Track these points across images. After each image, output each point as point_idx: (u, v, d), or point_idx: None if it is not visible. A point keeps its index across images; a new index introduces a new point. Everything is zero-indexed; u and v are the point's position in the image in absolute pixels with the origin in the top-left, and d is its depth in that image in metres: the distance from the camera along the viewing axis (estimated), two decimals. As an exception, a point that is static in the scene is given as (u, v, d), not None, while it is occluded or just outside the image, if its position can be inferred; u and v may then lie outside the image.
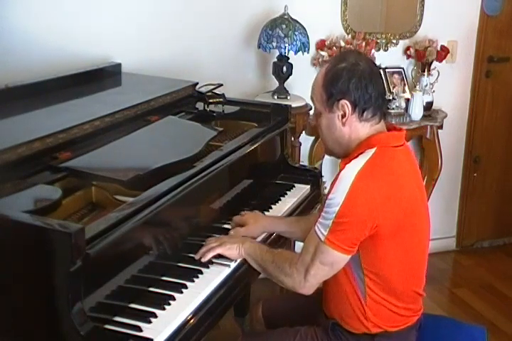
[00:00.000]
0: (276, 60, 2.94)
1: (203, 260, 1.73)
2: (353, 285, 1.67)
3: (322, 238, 1.58)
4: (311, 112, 1.85)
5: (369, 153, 1.62)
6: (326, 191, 3.15)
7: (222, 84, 2.43)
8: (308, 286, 1.65)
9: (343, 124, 1.67)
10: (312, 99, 1.74)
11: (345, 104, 1.64)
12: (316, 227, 1.61)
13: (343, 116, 1.66)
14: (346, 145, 1.71)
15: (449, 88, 3.49)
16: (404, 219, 1.63)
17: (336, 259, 1.60)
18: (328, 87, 1.66)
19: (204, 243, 1.81)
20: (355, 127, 1.67)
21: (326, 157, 2.87)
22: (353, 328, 1.72)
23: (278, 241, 2.02)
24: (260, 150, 2.22)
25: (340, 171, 1.63)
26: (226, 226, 1.99)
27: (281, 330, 1.83)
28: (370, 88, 1.64)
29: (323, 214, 1.60)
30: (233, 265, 1.78)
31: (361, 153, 1.64)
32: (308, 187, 2.37)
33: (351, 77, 1.63)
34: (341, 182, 1.58)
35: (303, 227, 1.90)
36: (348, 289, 1.68)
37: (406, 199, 1.63)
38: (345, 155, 1.74)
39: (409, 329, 1.75)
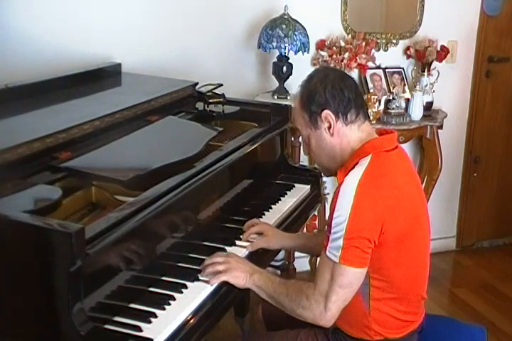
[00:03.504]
0: (276, 60, 2.94)
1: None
2: (357, 297, 1.64)
3: (336, 259, 1.55)
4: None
5: (365, 162, 1.62)
6: (325, 191, 3.16)
7: (222, 84, 2.43)
8: (329, 316, 1.59)
9: (332, 135, 1.68)
10: (297, 128, 1.77)
11: (328, 114, 1.66)
12: (326, 252, 1.58)
13: (330, 126, 1.67)
14: (340, 157, 1.70)
15: (449, 88, 3.49)
16: (408, 223, 1.62)
17: (355, 276, 1.57)
18: (307, 105, 1.69)
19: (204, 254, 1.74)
20: (344, 133, 1.68)
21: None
22: (354, 335, 1.72)
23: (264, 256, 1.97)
24: (260, 150, 2.22)
25: (339, 185, 1.61)
26: (226, 225, 1.99)
27: (282, 333, 1.82)
28: (346, 91, 1.66)
29: (331, 236, 1.57)
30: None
31: (357, 163, 1.64)
32: (308, 187, 2.37)
33: (325, 88, 1.66)
34: (343, 198, 1.57)
35: (320, 242, 1.79)
36: (352, 301, 1.63)
37: (407, 202, 1.63)
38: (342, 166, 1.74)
39: (411, 334, 1.75)
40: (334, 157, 1.71)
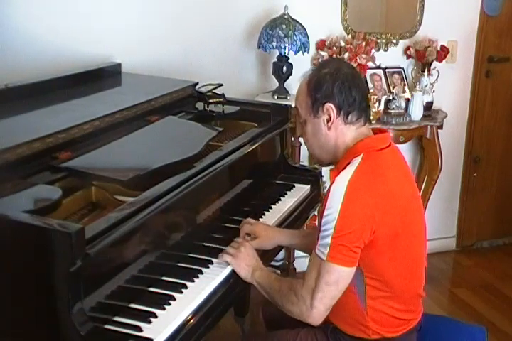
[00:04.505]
0: (276, 60, 2.94)
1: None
2: (353, 295, 1.65)
3: (324, 257, 1.57)
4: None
5: (356, 161, 1.63)
6: (325, 191, 3.16)
7: (222, 84, 2.43)
8: (315, 314, 1.60)
9: (329, 128, 1.68)
10: (296, 108, 1.75)
11: (330, 107, 1.66)
12: (316, 250, 1.60)
13: (329, 120, 1.67)
14: (333, 151, 1.71)
15: (449, 88, 3.49)
16: (400, 220, 1.63)
17: (342, 275, 1.58)
18: (313, 92, 1.68)
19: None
20: (341, 131, 1.68)
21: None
22: (352, 334, 1.72)
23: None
24: (260, 150, 2.22)
25: (330, 185, 1.62)
26: (226, 225, 1.99)
27: (282, 332, 1.82)
28: (354, 91, 1.66)
29: (321, 234, 1.59)
30: (233, 265, 1.78)
31: (349, 164, 1.64)
32: (308, 187, 2.37)
33: (335, 81, 1.65)
34: (333, 197, 1.58)
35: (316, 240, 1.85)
36: (348, 300, 1.65)
37: (399, 200, 1.63)
38: (333, 163, 1.74)
39: (409, 333, 1.75)
40: (327, 149, 1.72)
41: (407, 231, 1.66)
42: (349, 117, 1.67)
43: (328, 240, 1.56)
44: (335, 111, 1.66)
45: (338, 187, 1.58)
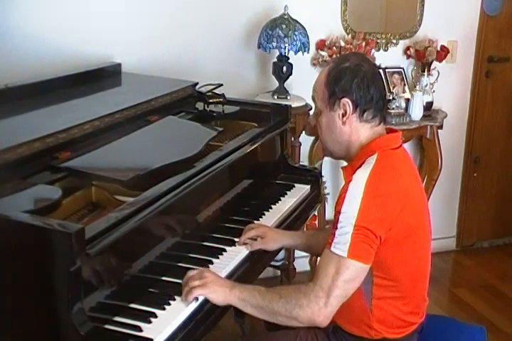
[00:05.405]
0: (276, 60, 2.94)
1: (186, 302, 1.56)
2: (359, 295, 1.64)
3: (344, 254, 1.54)
4: (311, 112, 1.82)
5: (371, 160, 1.63)
6: (325, 191, 3.16)
7: (222, 84, 2.43)
8: (328, 312, 1.55)
9: (344, 123, 1.68)
10: (313, 97, 1.75)
11: (347, 102, 1.65)
12: (332, 249, 1.56)
13: (344, 114, 1.67)
14: (346, 146, 1.71)
15: (449, 88, 3.49)
16: (413, 219, 1.63)
17: (359, 272, 1.56)
18: (331, 85, 1.67)
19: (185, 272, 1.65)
20: (356, 127, 1.68)
21: (326, 157, 2.87)
22: (355, 333, 1.72)
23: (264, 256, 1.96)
24: (260, 150, 2.22)
25: (347, 183, 1.62)
26: (226, 225, 1.99)
27: (281, 333, 1.82)
28: (372, 89, 1.66)
29: (338, 231, 1.56)
30: (233, 264, 1.78)
31: (364, 162, 1.64)
32: (308, 187, 2.37)
33: (354, 77, 1.65)
34: (352, 195, 1.57)
35: (321, 241, 1.80)
36: (353, 299, 1.63)
37: (412, 199, 1.65)
38: (346, 158, 1.75)
39: (411, 334, 1.75)
40: (341, 144, 1.72)
41: (418, 230, 1.67)
42: (364, 115, 1.67)
43: (348, 237, 1.54)
44: (351, 106, 1.66)
45: (356, 186, 1.58)
